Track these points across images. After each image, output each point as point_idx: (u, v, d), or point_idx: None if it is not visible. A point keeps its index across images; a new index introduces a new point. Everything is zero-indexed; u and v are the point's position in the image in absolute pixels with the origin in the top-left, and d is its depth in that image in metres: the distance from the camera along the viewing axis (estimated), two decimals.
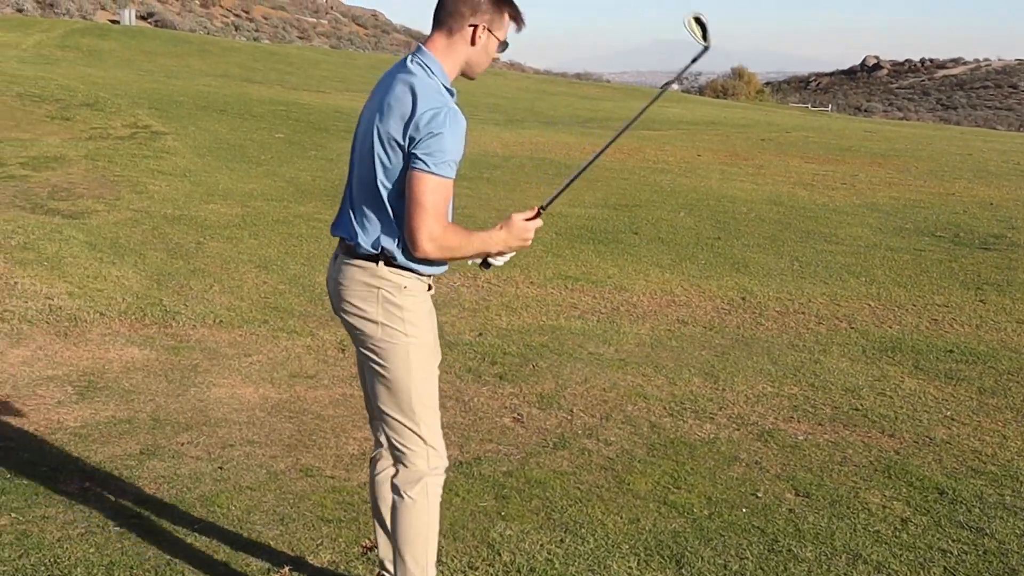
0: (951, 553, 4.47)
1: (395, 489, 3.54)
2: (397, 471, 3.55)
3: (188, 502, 4.76)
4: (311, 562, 4.22)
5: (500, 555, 4.31)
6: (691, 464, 5.36)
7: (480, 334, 7.61)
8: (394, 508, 3.55)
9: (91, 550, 4.24)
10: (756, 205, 13.82)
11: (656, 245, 11.04)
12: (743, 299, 8.90)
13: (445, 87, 3.38)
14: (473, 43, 3.40)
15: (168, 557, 4.21)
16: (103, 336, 7.26)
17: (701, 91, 67.20)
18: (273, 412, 5.99)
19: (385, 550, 3.79)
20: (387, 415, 3.51)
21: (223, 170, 14.49)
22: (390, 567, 3.78)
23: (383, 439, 3.62)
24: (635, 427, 5.90)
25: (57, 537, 4.35)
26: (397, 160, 3.30)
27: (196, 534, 4.44)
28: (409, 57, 3.43)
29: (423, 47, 3.44)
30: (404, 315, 3.42)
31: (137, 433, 5.57)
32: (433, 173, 3.24)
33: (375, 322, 3.43)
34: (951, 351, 7.54)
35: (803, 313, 8.52)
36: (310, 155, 16.62)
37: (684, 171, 17.12)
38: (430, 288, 3.53)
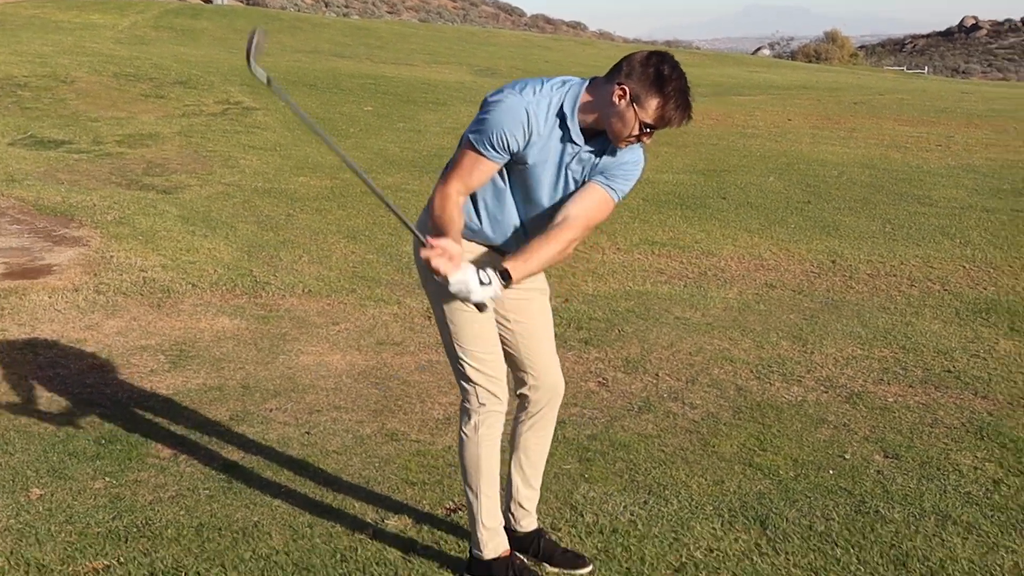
0: None
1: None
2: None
3: (276, 466, 4.84)
4: (395, 524, 4.26)
5: (583, 516, 4.31)
6: (777, 427, 5.31)
7: (566, 300, 7.60)
8: None
9: (181, 512, 4.33)
10: (848, 168, 13.58)
11: (745, 210, 10.91)
12: (833, 262, 8.77)
13: (559, 111, 3.36)
14: (613, 103, 3.31)
15: (256, 519, 4.28)
16: (195, 307, 7.39)
17: (793, 56, 66.06)
18: (360, 378, 6.06)
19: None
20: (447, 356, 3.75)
21: (312, 143, 14.62)
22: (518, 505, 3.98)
23: None
24: (721, 390, 5.86)
25: (149, 500, 4.45)
26: None
27: (283, 497, 4.51)
28: (578, 80, 3.43)
29: (591, 80, 3.42)
30: None
31: (227, 400, 5.68)
32: (468, 141, 3.41)
33: (422, 272, 3.63)
34: None
35: (895, 276, 8.36)
36: (398, 127, 16.71)
37: (774, 136, 16.88)
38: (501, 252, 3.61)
